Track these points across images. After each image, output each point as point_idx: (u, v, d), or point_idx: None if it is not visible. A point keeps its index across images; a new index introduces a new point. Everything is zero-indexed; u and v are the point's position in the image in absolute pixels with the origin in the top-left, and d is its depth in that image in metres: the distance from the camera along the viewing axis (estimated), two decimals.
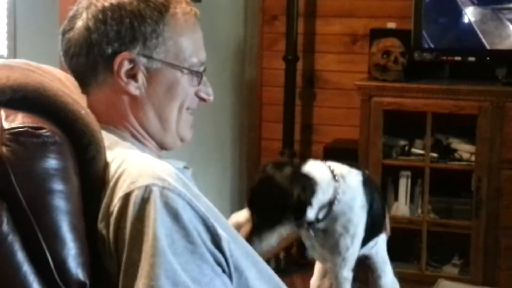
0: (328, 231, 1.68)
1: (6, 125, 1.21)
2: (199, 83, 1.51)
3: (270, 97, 4.50)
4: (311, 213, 1.62)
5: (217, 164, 4.28)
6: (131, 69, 1.43)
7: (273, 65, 4.45)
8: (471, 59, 3.93)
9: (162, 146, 1.53)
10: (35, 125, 1.22)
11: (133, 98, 1.45)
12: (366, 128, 3.80)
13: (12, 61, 1.45)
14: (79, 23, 1.43)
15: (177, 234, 1.23)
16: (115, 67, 1.42)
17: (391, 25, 4.10)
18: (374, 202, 1.72)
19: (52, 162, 1.23)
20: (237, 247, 1.34)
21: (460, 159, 3.81)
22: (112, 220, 1.26)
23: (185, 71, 1.47)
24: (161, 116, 1.47)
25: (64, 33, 1.47)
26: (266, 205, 1.60)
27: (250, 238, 1.58)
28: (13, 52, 3.50)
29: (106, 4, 1.42)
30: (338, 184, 1.66)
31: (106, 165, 1.33)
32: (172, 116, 1.48)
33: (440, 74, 3.99)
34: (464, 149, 3.80)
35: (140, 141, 1.48)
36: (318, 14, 4.38)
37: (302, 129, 4.46)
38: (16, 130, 1.21)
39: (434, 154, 3.81)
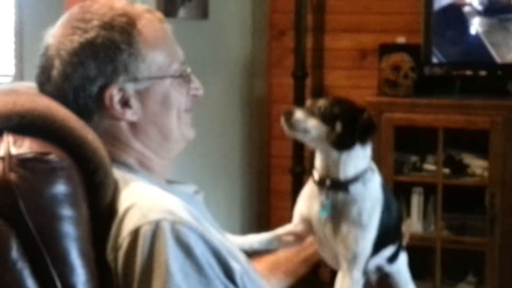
0: (342, 217, 1.67)
1: (14, 151, 1.20)
2: (187, 83, 1.49)
3: (279, 113, 4.45)
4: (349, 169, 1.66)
5: (226, 182, 4.25)
6: (122, 97, 1.40)
7: (282, 81, 4.42)
8: (482, 73, 3.90)
9: (169, 155, 1.51)
10: (42, 150, 1.22)
11: (133, 124, 1.43)
12: (376, 144, 3.75)
13: (18, 85, 1.43)
14: (55, 72, 1.39)
15: (190, 269, 1.22)
16: (107, 102, 1.39)
17: (401, 39, 4.08)
18: (389, 205, 1.72)
19: (60, 188, 1.22)
20: (250, 280, 1.34)
21: (473, 175, 3.77)
22: (121, 254, 1.24)
23: (172, 78, 1.45)
24: (162, 130, 1.46)
25: (41, 85, 1.42)
26: (337, 106, 1.68)
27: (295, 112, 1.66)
28: (20, 72, 3.48)
29: (75, 45, 1.37)
30: (370, 167, 1.70)
31: (115, 193, 1.31)
32: (173, 126, 1.47)
33: (451, 89, 3.95)
34: (476, 165, 3.77)
35: (147, 167, 1.46)
36: (326, 29, 4.36)
37: None
38: (24, 156, 1.20)
39: (446, 170, 3.77)
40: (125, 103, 1.40)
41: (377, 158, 3.69)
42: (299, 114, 1.67)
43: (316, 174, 1.72)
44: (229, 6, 4.15)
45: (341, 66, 4.35)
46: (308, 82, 4.32)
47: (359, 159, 1.67)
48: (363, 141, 1.67)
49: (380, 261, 1.76)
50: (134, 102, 1.41)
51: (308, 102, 1.71)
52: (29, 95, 1.33)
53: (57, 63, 1.38)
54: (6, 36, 3.46)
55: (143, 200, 1.28)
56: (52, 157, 1.21)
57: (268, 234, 1.78)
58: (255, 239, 1.76)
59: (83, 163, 1.27)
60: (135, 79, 1.40)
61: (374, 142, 3.67)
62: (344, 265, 1.68)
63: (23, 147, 1.21)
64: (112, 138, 1.42)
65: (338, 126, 1.65)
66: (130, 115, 1.41)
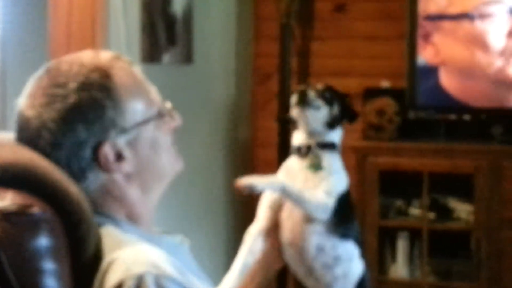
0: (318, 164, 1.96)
1: None
2: (170, 119, 1.48)
3: (264, 157, 4.46)
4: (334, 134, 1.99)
5: (210, 226, 4.22)
6: (116, 152, 1.38)
7: (266, 125, 4.41)
8: (466, 117, 3.92)
9: (159, 192, 1.49)
10: (25, 203, 1.20)
11: (128, 175, 1.41)
12: (361, 189, 3.75)
13: (0, 137, 1.41)
14: (42, 143, 1.34)
15: None
16: (102, 161, 1.37)
17: (385, 83, 4.09)
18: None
19: (43, 241, 1.20)
20: None
21: (458, 219, 3.76)
22: None
23: (156, 120, 1.43)
24: (156, 171, 1.45)
25: None
26: (332, 90, 2.01)
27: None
28: (3, 115, 3.46)
29: (62, 113, 1.34)
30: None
31: (98, 246, 1.30)
32: (164, 164, 1.46)
33: (435, 133, 3.96)
34: (462, 209, 3.76)
35: (135, 218, 1.44)
36: (310, 73, 4.38)
37: None
38: (7, 209, 1.19)
39: (432, 214, 3.76)
40: (119, 156, 1.38)
41: (362, 202, 3.73)
42: (312, 93, 1.93)
43: (297, 147, 1.98)
44: (214, 51, 4.16)
45: None
46: (293, 126, 4.31)
47: (336, 136, 1.99)
48: (352, 122, 2.02)
49: None
50: (127, 153, 1.39)
51: (303, 87, 1.98)
52: (11, 147, 1.32)
53: (45, 133, 1.34)
54: None
55: (126, 253, 1.27)
56: (34, 210, 1.20)
57: (239, 260, 1.94)
58: (234, 277, 1.91)
59: (66, 216, 1.25)
60: (124, 131, 1.38)
61: (359, 186, 3.70)
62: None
63: (6, 200, 1.19)
64: (104, 193, 1.40)
65: (336, 108, 1.96)
66: (125, 167, 1.39)
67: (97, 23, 2.97)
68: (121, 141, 1.38)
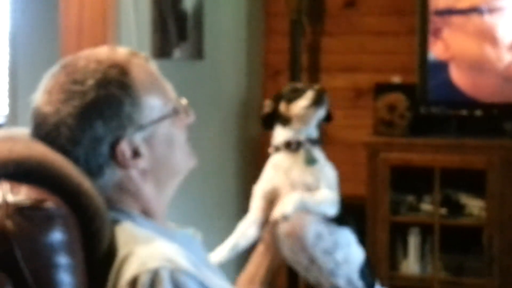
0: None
1: (10, 199, 1.19)
2: (185, 115, 1.48)
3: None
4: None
5: (221, 222, 4.21)
6: (132, 148, 1.38)
7: None
8: (478, 112, 3.90)
9: (173, 188, 1.50)
10: (39, 197, 1.21)
11: (143, 171, 1.41)
12: (373, 184, 3.74)
13: (14, 132, 1.40)
14: (61, 140, 1.34)
15: None
16: (119, 157, 1.37)
17: (396, 78, 4.08)
18: None
19: (57, 235, 1.21)
20: None
21: (470, 215, 3.75)
22: None
23: (171, 116, 1.43)
24: (171, 168, 1.45)
25: None
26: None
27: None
28: (14, 111, 3.47)
29: (80, 110, 1.33)
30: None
31: (112, 240, 1.30)
32: (179, 161, 1.46)
33: (447, 128, 3.94)
34: (474, 205, 3.74)
35: (149, 213, 1.44)
36: (321, 69, 4.36)
37: None
38: (21, 203, 1.19)
39: (443, 210, 3.75)
40: (135, 153, 1.38)
41: (373, 198, 3.72)
42: (325, 93, 2.01)
43: (287, 143, 2.03)
44: (224, 47, 4.16)
45: (336, 105, 4.27)
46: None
47: (316, 132, 2.06)
48: (328, 122, 2.10)
49: None
50: (143, 150, 1.39)
51: (302, 85, 2.07)
52: (25, 142, 1.31)
53: (63, 129, 1.34)
54: (0, 76, 3.45)
55: (141, 248, 1.27)
56: (48, 204, 1.20)
57: (231, 239, 2.04)
58: (223, 252, 2.03)
59: (80, 211, 1.26)
60: (140, 127, 1.38)
61: (370, 182, 3.68)
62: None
63: (20, 194, 1.20)
64: (120, 189, 1.40)
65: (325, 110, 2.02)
66: (141, 163, 1.40)
67: (108, 20, 2.98)
68: (138, 138, 1.38)
